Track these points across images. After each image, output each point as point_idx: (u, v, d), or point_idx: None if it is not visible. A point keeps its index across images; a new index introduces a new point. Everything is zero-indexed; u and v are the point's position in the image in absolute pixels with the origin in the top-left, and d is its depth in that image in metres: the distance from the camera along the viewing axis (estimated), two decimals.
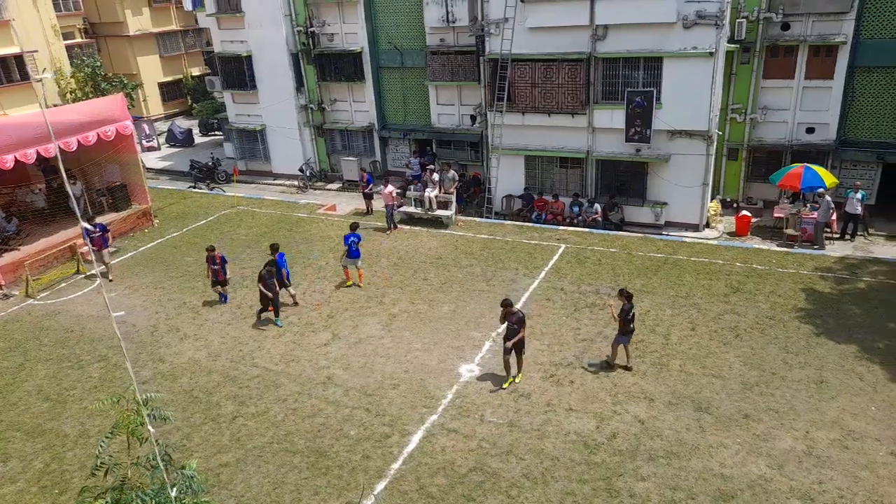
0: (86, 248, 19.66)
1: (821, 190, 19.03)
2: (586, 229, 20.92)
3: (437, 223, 21.93)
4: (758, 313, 15.16)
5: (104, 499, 6.74)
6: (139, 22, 41.58)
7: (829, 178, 19.03)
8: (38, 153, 18.87)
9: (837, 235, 20.05)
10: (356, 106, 27.51)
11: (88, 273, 19.58)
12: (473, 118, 25.07)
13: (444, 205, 22.23)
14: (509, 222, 22.16)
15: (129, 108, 23.14)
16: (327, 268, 18.89)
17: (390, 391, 13.05)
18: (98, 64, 36.66)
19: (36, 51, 32.92)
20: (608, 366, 13.33)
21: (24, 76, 31.55)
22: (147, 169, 29.44)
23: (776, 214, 20.82)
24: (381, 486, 10.61)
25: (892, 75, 20.00)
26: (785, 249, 18.99)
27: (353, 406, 12.66)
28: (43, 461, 11.73)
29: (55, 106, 32.03)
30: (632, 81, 20.28)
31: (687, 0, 18.68)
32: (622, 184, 21.86)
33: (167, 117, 43.25)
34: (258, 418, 12.50)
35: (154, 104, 43.19)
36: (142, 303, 17.53)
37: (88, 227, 18.83)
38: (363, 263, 17.87)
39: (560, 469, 10.75)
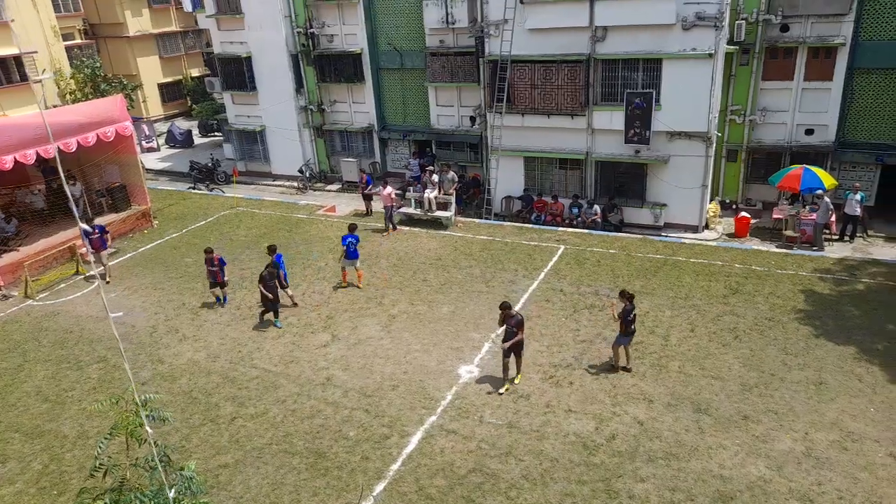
0: (84, 249, 19.65)
1: (820, 191, 19.04)
2: (586, 230, 20.93)
3: (437, 224, 21.92)
4: (757, 314, 15.16)
5: (103, 500, 6.73)
6: (139, 23, 41.62)
7: (828, 180, 19.04)
8: (37, 154, 18.84)
9: (836, 237, 20.07)
10: (356, 107, 27.53)
11: (88, 274, 19.57)
12: (473, 119, 25.08)
13: (443, 206, 22.22)
14: (509, 223, 22.15)
15: (128, 109, 23.13)
16: (327, 269, 18.89)
17: (389, 392, 13.04)
18: (98, 65, 36.70)
19: (35, 52, 32.92)
20: (612, 368, 13.32)
21: (24, 77, 31.53)
22: (146, 170, 29.43)
23: (775, 216, 20.85)
24: (380, 488, 10.61)
25: (891, 77, 20.03)
26: (784, 251, 18.99)
27: (352, 407, 12.66)
28: (41, 462, 11.72)
29: (55, 107, 32.09)
30: (631, 83, 20.30)
31: (686, 2, 18.71)
32: (621, 185, 21.88)
33: (167, 118, 43.29)
34: (257, 419, 12.50)
35: (154, 105, 43.23)
36: (141, 304, 17.53)
37: (87, 228, 18.83)
38: (362, 264, 17.88)
39: (559, 470, 10.75)
